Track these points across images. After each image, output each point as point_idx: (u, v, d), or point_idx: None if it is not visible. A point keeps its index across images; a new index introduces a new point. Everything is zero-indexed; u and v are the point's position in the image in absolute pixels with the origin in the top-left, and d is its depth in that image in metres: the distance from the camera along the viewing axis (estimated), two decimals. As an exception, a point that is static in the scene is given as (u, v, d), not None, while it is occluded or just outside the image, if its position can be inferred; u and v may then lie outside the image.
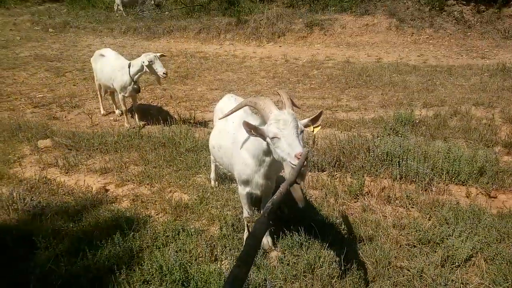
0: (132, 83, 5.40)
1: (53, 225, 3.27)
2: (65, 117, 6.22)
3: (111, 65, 5.54)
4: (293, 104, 2.46)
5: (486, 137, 4.95)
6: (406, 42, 11.18)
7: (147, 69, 5.22)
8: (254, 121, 2.70)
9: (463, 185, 3.94)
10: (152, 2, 14.20)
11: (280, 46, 11.39)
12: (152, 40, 12.00)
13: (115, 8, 14.06)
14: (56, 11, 15.09)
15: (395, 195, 3.72)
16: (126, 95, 5.56)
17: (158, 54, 5.26)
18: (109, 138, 5.06)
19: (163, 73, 5.17)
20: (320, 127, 2.40)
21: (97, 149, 4.82)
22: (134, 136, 5.11)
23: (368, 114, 6.24)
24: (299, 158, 2.09)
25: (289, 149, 2.14)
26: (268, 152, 2.48)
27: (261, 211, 2.99)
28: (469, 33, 11.32)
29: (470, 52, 10.03)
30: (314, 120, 2.42)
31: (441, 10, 12.17)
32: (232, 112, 2.60)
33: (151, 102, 6.91)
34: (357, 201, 3.71)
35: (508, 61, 8.75)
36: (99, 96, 6.29)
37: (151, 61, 5.13)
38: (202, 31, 12.32)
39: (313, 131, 2.39)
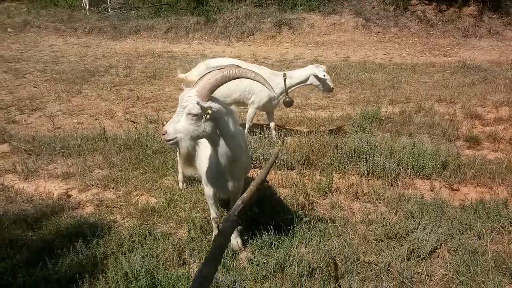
0: (285, 95, 4.79)
1: (11, 235, 3.09)
2: (25, 120, 5.93)
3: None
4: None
5: (448, 132, 5.12)
6: (372, 41, 11.43)
7: (311, 82, 4.76)
8: None
9: (428, 179, 4.05)
10: None
11: (249, 45, 11.37)
12: (118, 40, 11.69)
13: (83, 5, 13.59)
14: (15, 10, 14.42)
15: (363, 191, 3.78)
16: (264, 110, 4.98)
17: (324, 67, 4.77)
18: (72, 142, 4.86)
19: (331, 88, 4.80)
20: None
21: (59, 153, 4.62)
22: (98, 139, 4.93)
23: (336, 112, 6.32)
24: (162, 134, 2.25)
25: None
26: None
27: (230, 211, 2.95)
28: (431, 32, 11.71)
29: (433, 50, 10.38)
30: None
31: (405, 10, 12.53)
32: None
33: (117, 103, 6.71)
34: (326, 198, 3.73)
35: (468, 59, 9.12)
36: None
37: (324, 76, 4.66)
38: (170, 30, 12.12)
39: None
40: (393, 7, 12.64)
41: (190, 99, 2.24)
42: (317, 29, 12.14)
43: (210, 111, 2.26)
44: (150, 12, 13.47)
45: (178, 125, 2.24)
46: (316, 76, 4.71)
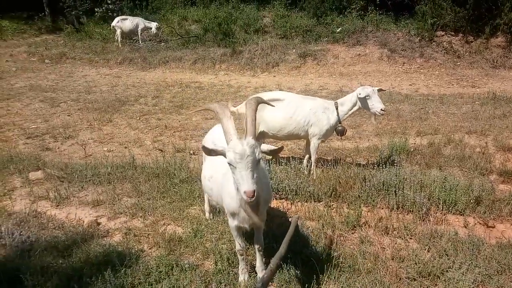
0: (338, 124, 4.76)
1: (42, 262, 3.16)
2: (58, 148, 6.16)
3: (306, 108, 4.69)
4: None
5: (480, 165, 4.96)
6: (397, 71, 11.42)
7: (360, 106, 4.65)
8: None
9: (461, 215, 3.91)
10: (153, 29, 14.45)
11: (274, 76, 11.56)
12: (147, 70, 12.15)
13: (116, 38, 14.30)
14: (53, 43, 15.30)
15: (392, 225, 3.67)
16: (324, 140, 4.95)
17: (376, 88, 4.64)
18: (102, 169, 4.99)
19: (381, 110, 4.56)
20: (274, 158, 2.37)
21: (89, 180, 4.75)
22: (127, 167, 5.05)
23: (362, 142, 6.26)
24: (248, 196, 2.17)
25: (241, 182, 2.22)
26: None
27: (255, 246, 2.92)
28: (458, 63, 11.60)
29: (460, 81, 10.24)
30: (273, 152, 2.50)
31: (430, 41, 12.51)
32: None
33: (146, 132, 6.89)
34: (355, 232, 3.64)
35: (498, 90, 8.94)
36: None
37: (367, 96, 4.53)
38: (198, 61, 12.51)
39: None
40: (418, 38, 12.65)
41: (257, 150, 2.25)
42: (341, 60, 12.26)
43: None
44: (178, 44, 13.99)
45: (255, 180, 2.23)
46: (361, 98, 4.60)
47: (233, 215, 2.72)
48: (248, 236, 3.09)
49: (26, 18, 19.46)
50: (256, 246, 2.95)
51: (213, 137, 3.28)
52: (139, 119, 7.54)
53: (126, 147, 6.14)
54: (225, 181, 2.72)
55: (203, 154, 3.35)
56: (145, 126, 7.17)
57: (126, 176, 4.84)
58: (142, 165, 5.14)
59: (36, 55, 13.84)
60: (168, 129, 6.99)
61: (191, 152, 5.89)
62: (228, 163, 2.28)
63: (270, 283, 2.70)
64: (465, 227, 3.72)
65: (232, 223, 2.78)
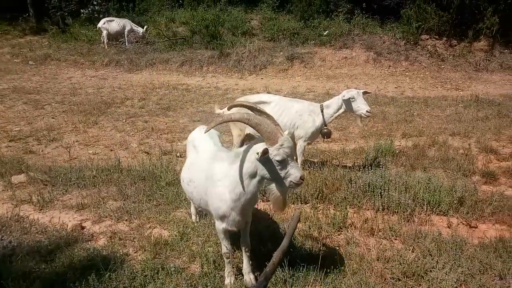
0: (324, 127, 4.80)
1: (24, 267, 3.10)
2: (42, 151, 6.06)
3: (292, 111, 4.74)
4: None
5: (464, 166, 5.05)
6: (383, 74, 11.56)
7: (345, 108, 4.67)
8: (225, 153, 2.85)
9: (444, 215, 3.97)
10: (140, 34, 14.34)
11: (261, 79, 11.59)
12: (134, 72, 12.04)
13: (102, 39, 14.15)
14: (37, 44, 15.06)
15: (378, 226, 3.71)
16: (310, 142, 5.00)
17: (361, 91, 4.68)
18: (87, 172, 4.93)
19: (367, 111, 4.57)
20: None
21: (74, 184, 4.68)
22: (113, 170, 4.99)
23: (349, 144, 6.32)
24: (302, 179, 2.47)
25: (294, 171, 2.46)
26: (252, 180, 2.56)
27: (241, 247, 2.93)
28: (443, 66, 11.81)
29: (444, 84, 10.42)
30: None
31: (415, 44, 12.70)
32: (218, 124, 2.56)
33: (132, 134, 6.83)
34: (341, 233, 3.67)
35: (481, 92, 9.13)
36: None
37: (352, 98, 4.58)
38: (185, 63, 12.46)
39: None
40: (404, 41, 12.83)
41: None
42: (328, 62, 12.36)
43: None
44: (165, 45, 13.91)
45: None
46: (345, 100, 4.65)
47: (223, 218, 2.72)
48: (234, 238, 3.08)
49: (9, 19, 19.06)
50: (243, 248, 2.96)
51: (194, 138, 3.31)
52: (125, 121, 7.47)
53: (111, 150, 6.07)
54: (211, 184, 2.74)
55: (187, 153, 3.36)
56: (131, 128, 7.10)
57: (112, 179, 4.79)
58: (128, 168, 5.09)
59: (20, 57, 13.61)
60: (154, 132, 6.93)
61: (178, 154, 5.85)
62: (280, 161, 2.42)
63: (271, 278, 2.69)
64: (449, 228, 3.78)
65: (220, 225, 2.78)
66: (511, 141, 5.93)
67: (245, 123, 2.51)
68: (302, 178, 2.46)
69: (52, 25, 17.43)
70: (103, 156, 5.76)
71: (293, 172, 2.45)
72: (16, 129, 6.98)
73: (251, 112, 2.63)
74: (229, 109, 3.12)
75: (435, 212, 3.99)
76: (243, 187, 2.57)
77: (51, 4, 18.52)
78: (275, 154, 2.41)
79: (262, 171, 2.50)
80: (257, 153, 2.41)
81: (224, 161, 2.73)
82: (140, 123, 7.37)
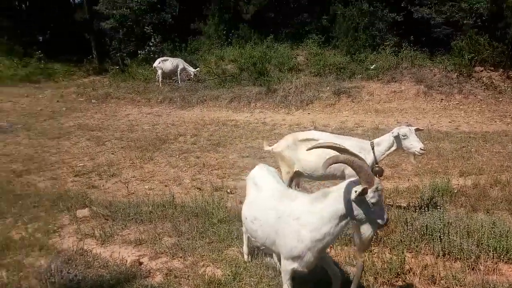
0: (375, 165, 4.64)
1: (88, 301, 3.26)
2: (103, 185, 6.45)
3: None
4: None
5: (532, 209, 4.69)
6: (435, 108, 11.20)
7: (397, 145, 4.54)
8: (297, 192, 3.11)
9: (514, 264, 3.67)
10: (192, 74, 15.16)
11: (308, 114, 11.67)
12: (186, 109, 12.64)
13: (157, 78, 15.12)
14: (99, 83, 16.35)
15: (439, 273, 3.51)
16: None
17: (413, 128, 4.56)
18: (144, 208, 5.16)
19: (420, 149, 4.41)
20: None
21: (132, 219, 4.91)
22: (167, 205, 5.19)
23: (402, 183, 6.11)
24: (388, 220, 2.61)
25: (383, 213, 2.59)
26: (342, 221, 2.64)
27: (333, 281, 2.95)
28: (500, 99, 11.24)
29: (503, 118, 9.88)
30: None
31: (469, 77, 12.26)
32: (328, 165, 2.73)
33: (185, 170, 7.10)
34: (398, 279, 3.51)
35: (545, 126, 8.54)
36: None
37: (404, 136, 4.45)
38: (234, 100, 12.90)
39: None
40: (456, 74, 12.44)
41: None
42: (376, 97, 12.22)
43: None
44: (215, 83, 14.54)
45: None
46: (397, 137, 4.52)
47: (296, 258, 2.73)
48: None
49: (75, 61, 21.10)
50: (335, 280, 2.97)
51: (254, 177, 3.40)
52: (179, 157, 7.79)
53: (166, 185, 6.33)
54: (285, 223, 2.77)
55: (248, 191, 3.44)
56: (184, 164, 7.39)
57: (167, 215, 4.97)
58: (182, 204, 5.27)
59: (84, 95, 14.81)
60: (206, 167, 7.16)
61: (228, 190, 5.98)
62: (374, 203, 2.54)
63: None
64: (520, 278, 3.49)
65: (290, 266, 2.78)
66: None
67: (348, 165, 2.63)
68: (387, 220, 2.60)
69: (112, 65, 19.02)
70: (158, 192, 6.02)
71: (382, 214, 2.57)
72: (80, 164, 7.53)
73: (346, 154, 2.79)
74: (312, 148, 3.15)
75: (503, 260, 3.71)
76: (330, 227, 2.62)
77: (112, 46, 20.25)
78: (372, 196, 2.51)
79: (357, 211, 2.57)
80: (355, 192, 2.51)
81: (301, 200, 2.82)
82: (192, 159, 7.66)
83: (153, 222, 4.83)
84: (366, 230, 2.60)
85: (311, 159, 4.68)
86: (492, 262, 3.67)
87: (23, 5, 24.35)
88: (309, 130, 5.72)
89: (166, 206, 5.20)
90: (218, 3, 18.80)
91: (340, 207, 2.59)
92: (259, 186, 3.24)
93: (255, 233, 3.10)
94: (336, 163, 2.79)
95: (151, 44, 18.14)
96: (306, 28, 17.82)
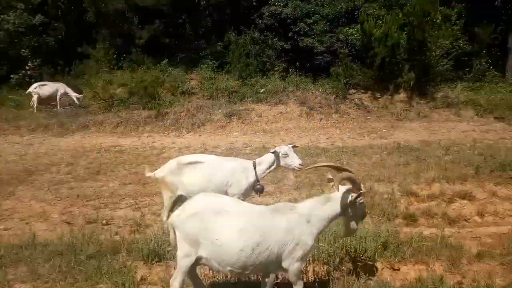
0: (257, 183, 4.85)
1: None
2: None
3: (225, 169, 4.77)
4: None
5: (388, 211, 5.27)
6: (315, 127, 12.15)
7: (277, 163, 4.81)
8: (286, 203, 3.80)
9: (370, 261, 4.03)
10: (74, 99, 14.00)
11: (199, 136, 11.64)
12: (64, 136, 11.48)
13: (31, 104, 13.60)
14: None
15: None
16: (244, 198, 4.81)
17: (291, 145, 4.93)
18: (-6, 251, 4.42)
19: (299, 164, 4.80)
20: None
21: (-27, 268, 4.15)
22: (25, 246, 4.53)
23: (283, 197, 6.37)
24: None
25: (365, 212, 3.75)
26: (335, 218, 3.50)
27: None
28: (369, 117, 12.72)
29: (370, 133, 11.15)
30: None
31: (344, 98, 13.66)
32: (338, 182, 3.42)
33: (54, 204, 6.35)
34: None
35: (402, 140, 9.86)
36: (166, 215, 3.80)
37: (285, 154, 4.77)
38: (120, 124, 12.23)
39: None
40: (334, 96, 13.78)
41: None
42: (264, 118, 12.79)
43: None
44: (100, 107, 13.68)
45: None
46: (277, 156, 4.80)
47: (306, 256, 3.36)
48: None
49: None
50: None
51: (212, 209, 3.25)
52: (48, 189, 6.96)
53: (27, 223, 5.56)
54: (299, 230, 3.20)
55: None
56: (54, 197, 6.62)
57: (23, 258, 4.32)
58: (44, 243, 4.66)
59: None
60: (80, 198, 6.52)
61: (104, 221, 5.51)
62: (361, 203, 3.44)
63: None
64: (375, 272, 3.84)
65: (302, 265, 3.28)
66: (429, 183, 6.34)
67: (354, 181, 3.43)
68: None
69: (-26, 91, 16.54)
70: (16, 231, 5.24)
71: (364, 212, 3.64)
72: None
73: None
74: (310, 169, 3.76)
75: (360, 259, 4.05)
76: (326, 224, 3.41)
77: (-25, 68, 17.75)
78: (359, 200, 3.37)
79: (350, 210, 3.39)
80: (351, 196, 3.32)
81: (304, 205, 3.42)
82: (65, 190, 6.91)
83: (3, 267, 4.15)
84: (353, 224, 3.47)
85: (196, 182, 4.69)
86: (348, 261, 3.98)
87: None
88: (197, 153, 5.66)
89: (23, 247, 4.54)
90: (109, 27, 17.99)
91: (337, 208, 3.36)
92: (231, 213, 3.18)
93: (255, 259, 3.05)
94: (343, 179, 3.47)
95: (27, 68, 16.40)
96: (201, 53, 18.04)
